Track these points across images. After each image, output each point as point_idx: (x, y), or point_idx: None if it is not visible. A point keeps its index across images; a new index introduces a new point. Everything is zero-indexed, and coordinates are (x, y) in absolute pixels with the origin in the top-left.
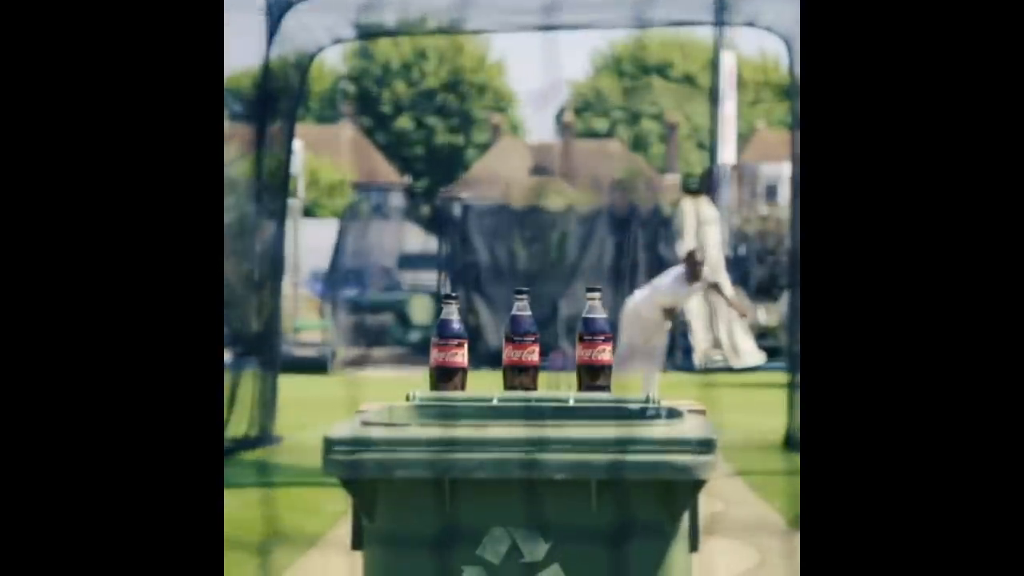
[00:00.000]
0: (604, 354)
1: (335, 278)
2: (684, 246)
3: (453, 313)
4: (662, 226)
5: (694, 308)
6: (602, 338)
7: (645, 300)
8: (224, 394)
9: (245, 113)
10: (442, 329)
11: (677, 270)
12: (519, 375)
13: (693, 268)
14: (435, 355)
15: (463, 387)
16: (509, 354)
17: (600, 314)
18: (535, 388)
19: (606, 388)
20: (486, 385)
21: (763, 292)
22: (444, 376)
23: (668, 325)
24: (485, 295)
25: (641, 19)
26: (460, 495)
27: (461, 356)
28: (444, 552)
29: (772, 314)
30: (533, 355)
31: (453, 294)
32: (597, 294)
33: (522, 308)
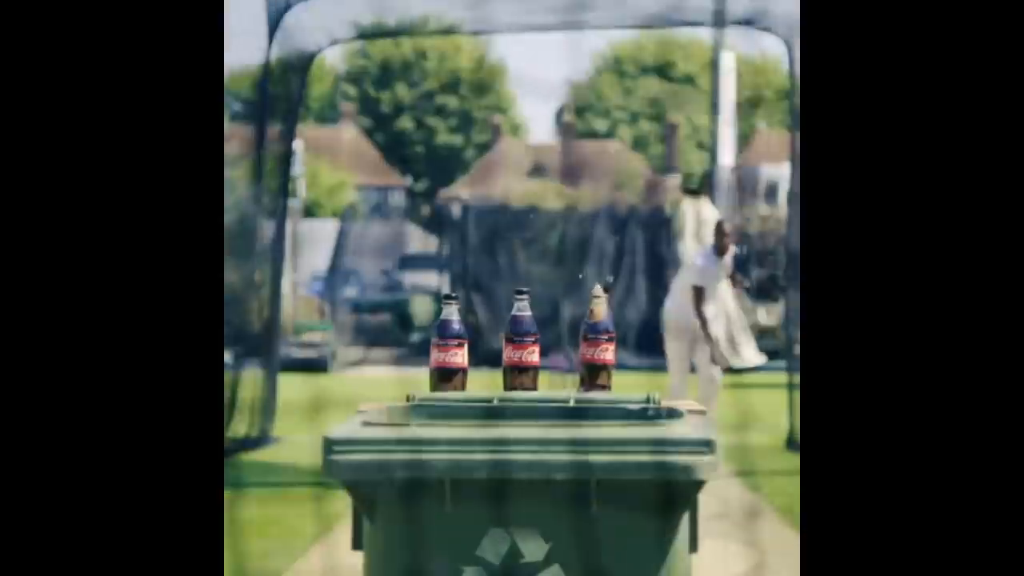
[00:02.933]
0: (607, 353)
1: (335, 279)
2: (685, 246)
3: (453, 314)
4: (662, 226)
5: None
6: (605, 337)
7: (682, 291)
8: (224, 395)
9: (245, 114)
10: (442, 330)
11: (704, 250)
12: (519, 375)
13: (721, 240)
14: (435, 355)
15: (463, 387)
16: (509, 354)
17: (604, 314)
18: (535, 388)
19: (607, 388)
20: (486, 385)
21: (763, 292)
22: (444, 376)
23: (711, 312)
24: (485, 295)
25: (641, 19)
26: (460, 495)
27: (461, 356)
28: (444, 552)
29: (772, 314)
30: (533, 355)
31: (453, 295)
32: (601, 292)
33: (522, 308)
